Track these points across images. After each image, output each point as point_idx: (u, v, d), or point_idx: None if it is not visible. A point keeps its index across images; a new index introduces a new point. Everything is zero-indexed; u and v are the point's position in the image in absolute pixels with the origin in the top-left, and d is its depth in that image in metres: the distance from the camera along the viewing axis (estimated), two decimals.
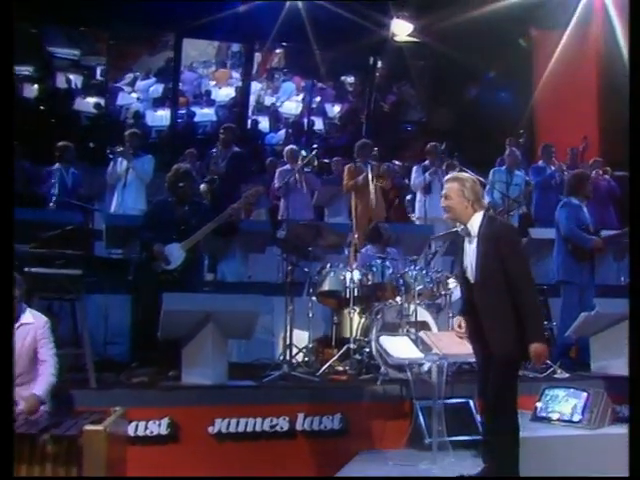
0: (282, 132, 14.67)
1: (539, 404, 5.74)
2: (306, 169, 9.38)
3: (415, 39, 12.61)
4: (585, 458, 5.27)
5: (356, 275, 6.45)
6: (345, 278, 6.48)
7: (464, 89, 14.16)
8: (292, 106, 14.88)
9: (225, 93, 14.66)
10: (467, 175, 4.97)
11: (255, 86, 14.74)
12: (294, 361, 6.51)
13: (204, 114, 14.25)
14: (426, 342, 5.40)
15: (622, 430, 5.47)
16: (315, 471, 5.51)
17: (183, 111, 14.21)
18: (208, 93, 14.62)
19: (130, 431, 5.32)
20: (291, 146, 9.73)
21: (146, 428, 5.45)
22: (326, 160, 10.93)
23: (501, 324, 4.59)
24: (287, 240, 6.73)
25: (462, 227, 4.73)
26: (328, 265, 6.66)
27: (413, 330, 5.91)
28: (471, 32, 11.80)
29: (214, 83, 14.78)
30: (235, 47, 14.74)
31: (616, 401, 6.18)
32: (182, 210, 6.41)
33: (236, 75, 14.73)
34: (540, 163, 10.07)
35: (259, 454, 5.59)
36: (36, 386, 4.79)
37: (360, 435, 5.74)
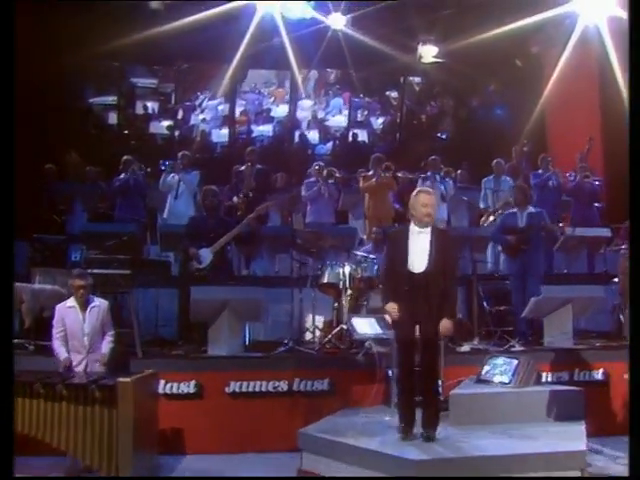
0: (330, 144, 16.36)
1: (483, 370, 7.18)
2: (329, 181, 10.99)
3: (439, 60, 14.02)
4: (509, 409, 6.66)
5: (347, 270, 8.05)
6: (340, 272, 8.10)
7: (478, 105, 15.56)
8: (340, 120, 16.55)
9: (282, 110, 16.47)
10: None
11: (307, 103, 16.45)
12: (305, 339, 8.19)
13: (262, 130, 16.10)
14: (388, 322, 6.96)
15: (541, 389, 6.94)
16: (307, 421, 6.94)
17: (245, 128, 16.08)
18: (268, 111, 16.44)
19: (167, 390, 7.21)
20: (317, 162, 11.33)
21: (178, 388, 7.26)
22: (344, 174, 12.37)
23: (440, 305, 5.93)
24: (296, 243, 8.42)
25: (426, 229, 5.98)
26: (327, 262, 8.29)
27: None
28: (485, 52, 13.19)
29: (272, 100, 16.56)
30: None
31: (553, 369, 7.66)
32: (211, 222, 8.22)
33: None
34: (540, 171, 11.31)
35: (264, 409, 7.27)
36: (103, 347, 6.68)
37: (344, 395, 7.31)
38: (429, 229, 5.98)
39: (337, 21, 13.77)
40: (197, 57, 14.51)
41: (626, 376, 6.91)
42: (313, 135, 16.41)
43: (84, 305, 6.65)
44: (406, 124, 16.28)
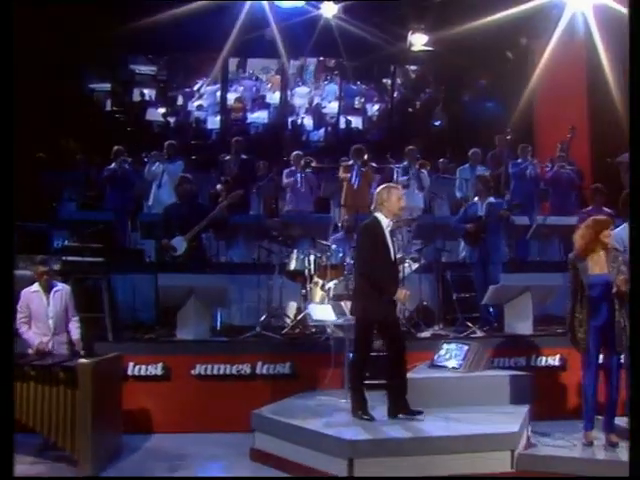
0: (322, 130, 16.61)
1: (436, 355, 7.46)
2: (307, 170, 11.26)
3: (429, 48, 14.19)
4: (458, 393, 6.93)
5: (312, 257, 8.35)
6: (306, 260, 8.40)
7: (469, 95, 15.72)
8: (335, 106, 16.79)
9: (277, 96, 16.74)
10: None
11: (304, 90, 16.70)
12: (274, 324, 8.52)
13: (257, 117, 16.38)
14: (343, 308, 7.27)
15: (490, 373, 7.21)
16: (269, 404, 7.17)
17: (240, 114, 16.38)
18: (263, 97, 16.72)
19: (136, 372, 7.59)
20: (296, 152, 11.61)
21: (147, 370, 7.63)
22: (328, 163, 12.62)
23: None
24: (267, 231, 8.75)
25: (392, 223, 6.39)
26: (295, 249, 8.60)
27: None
28: (473, 42, 13.34)
29: (269, 87, 16.84)
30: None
31: (511, 355, 7.92)
32: (185, 210, 8.54)
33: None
34: (519, 160, 11.50)
35: (228, 391, 7.60)
36: (73, 334, 7.03)
37: (306, 378, 7.63)
38: (392, 222, 6.40)
39: (329, 9, 13.97)
40: (193, 45, 14.71)
41: None
42: (308, 122, 16.64)
43: (47, 289, 7.00)
44: (401, 111, 16.46)
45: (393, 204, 6.34)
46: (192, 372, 7.66)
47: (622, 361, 6.33)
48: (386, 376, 6.51)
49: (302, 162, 11.06)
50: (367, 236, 6.40)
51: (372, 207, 6.59)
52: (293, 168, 11.22)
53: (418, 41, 14.03)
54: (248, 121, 16.45)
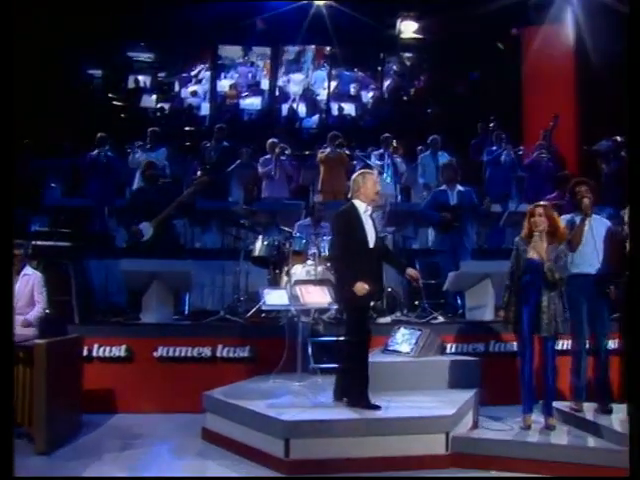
0: (316, 117, 16.73)
1: (389, 340, 7.63)
2: (282, 157, 11.40)
3: (418, 36, 14.26)
4: (408, 377, 7.11)
5: (276, 244, 8.53)
6: (269, 246, 8.58)
7: (453, 81, 15.80)
8: (326, 93, 16.91)
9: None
10: None
11: (299, 76, 16.83)
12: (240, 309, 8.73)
13: (251, 103, 16.54)
14: (297, 294, 7.45)
15: (440, 358, 7.37)
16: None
17: (234, 101, 16.55)
18: (258, 84, 16.87)
19: (100, 353, 7.85)
20: (272, 139, 11.69)
21: (111, 351, 7.89)
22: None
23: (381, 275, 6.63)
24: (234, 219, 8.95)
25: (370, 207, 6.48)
26: (259, 236, 8.78)
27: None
28: (463, 30, 13.40)
29: (265, 73, 16.98)
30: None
31: (470, 341, 8.07)
32: (151, 195, 8.75)
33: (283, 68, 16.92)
34: (494, 147, 11.58)
35: (189, 373, 7.85)
36: (29, 314, 7.30)
37: (265, 362, 7.78)
38: (370, 207, 6.49)
39: None
40: (186, 32, 14.84)
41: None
42: (301, 109, 16.77)
43: (17, 272, 7.26)
44: (395, 99, 16.54)
45: (369, 189, 6.43)
46: (154, 354, 7.91)
47: (560, 347, 6.52)
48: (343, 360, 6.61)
49: (277, 150, 11.19)
50: (341, 222, 6.48)
51: (349, 195, 6.72)
52: (268, 156, 11.36)
53: (407, 28, 14.09)
54: (241, 107, 16.59)
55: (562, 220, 6.80)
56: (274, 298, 7.47)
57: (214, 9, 13.70)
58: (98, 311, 8.77)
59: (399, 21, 13.95)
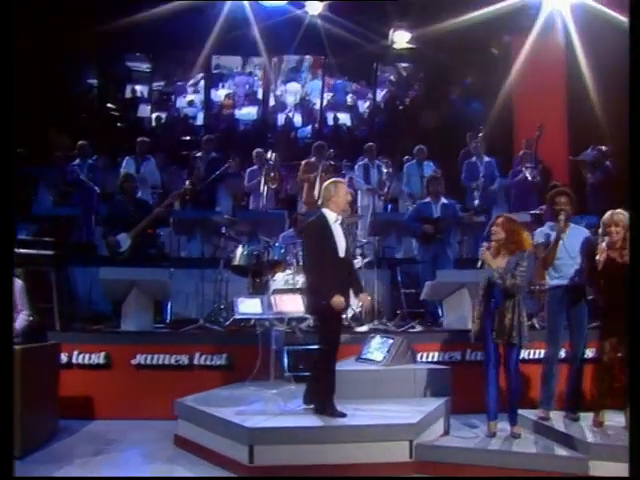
0: (310, 127, 16.85)
1: (363, 348, 7.71)
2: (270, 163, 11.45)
3: (412, 46, 14.34)
4: (380, 385, 7.18)
5: (255, 253, 8.64)
6: (249, 255, 8.69)
7: (446, 91, 15.88)
8: (323, 103, 17.01)
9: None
10: None
11: (295, 86, 16.96)
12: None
13: (247, 113, 16.68)
14: (271, 303, 7.56)
15: (410, 367, 7.44)
16: None
17: (230, 111, 16.70)
18: (255, 93, 17.01)
19: (80, 360, 7.99)
20: (257, 149, 11.80)
21: (90, 358, 8.01)
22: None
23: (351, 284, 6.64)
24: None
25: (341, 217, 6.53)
26: (239, 245, 8.89)
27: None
28: (457, 39, 13.49)
29: (262, 83, 17.11)
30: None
31: (447, 349, 8.15)
32: (129, 207, 8.90)
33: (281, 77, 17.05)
34: (473, 159, 11.63)
35: (166, 380, 7.95)
36: (16, 323, 7.43)
37: (241, 370, 7.88)
38: (341, 216, 6.55)
39: (314, 7, 14.16)
40: (181, 42, 14.93)
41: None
42: (297, 118, 16.89)
43: None
44: (390, 108, 16.65)
45: (341, 198, 6.49)
46: (132, 361, 8.04)
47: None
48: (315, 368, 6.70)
49: (263, 159, 11.29)
50: (312, 232, 6.55)
51: (320, 202, 6.78)
52: (255, 167, 11.46)
53: (400, 39, 14.16)
54: (237, 117, 16.73)
55: (539, 233, 6.90)
56: (247, 307, 7.60)
57: (209, 19, 13.82)
58: (80, 318, 8.90)
59: (392, 31, 13.98)
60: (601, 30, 12.39)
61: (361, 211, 11.15)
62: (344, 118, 16.90)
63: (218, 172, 10.34)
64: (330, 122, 16.83)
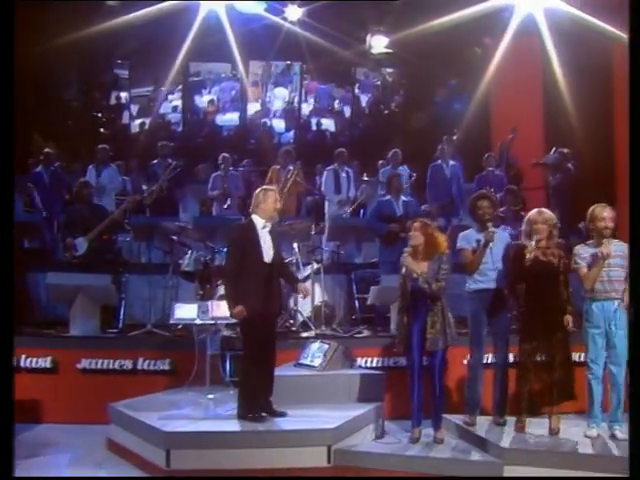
0: (292, 132, 16.93)
1: (301, 354, 7.74)
2: (233, 172, 11.54)
3: (389, 51, 14.35)
4: (313, 390, 7.19)
5: (203, 259, 8.71)
6: (197, 261, 8.76)
7: (429, 94, 15.88)
8: (307, 108, 17.10)
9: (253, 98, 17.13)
10: None
11: (282, 91, 17.04)
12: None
13: (230, 119, 16.79)
14: (208, 308, 7.62)
15: (345, 372, 7.45)
16: None
17: (212, 117, 16.82)
18: (239, 99, 17.10)
19: (27, 364, 8.11)
20: (224, 154, 11.83)
21: (37, 362, 8.13)
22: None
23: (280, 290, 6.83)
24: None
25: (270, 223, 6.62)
26: (189, 250, 8.96)
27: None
28: (437, 43, 13.51)
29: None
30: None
31: (392, 353, 8.07)
32: (85, 212, 9.03)
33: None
34: (439, 161, 11.59)
35: (110, 385, 8.01)
36: None
37: (184, 374, 7.92)
38: (269, 223, 6.63)
39: (293, 13, 14.23)
40: (158, 48, 15.02)
41: (465, 361, 7.45)
42: (280, 124, 16.96)
43: None
44: (376, 113, 16.68)
45: (269, 205, 6.60)
46: (78, 366, 8.14)
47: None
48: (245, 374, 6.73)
49: (229, 164, 11.36)
50: (235, 237, 6.68)
51: (250, 209, 6.86)
52: (219, 172, 11.51)
53: (378, 43, 14.21)
54: (219, 123, 16.83)
55: (462, 237, 6.90)
56: (183, 312, 7.68)
57: (189, 27, 13.91)
58: (36, 323, 9.02)
59: (369, 36, 14.03)
60: (575, 32, 12.37)
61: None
62: (328, 124, 16.93)
63: (162, 179, 10.37)
64: (313, 127, 16.85)
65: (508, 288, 6.74)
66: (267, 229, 6.62)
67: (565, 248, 6.46)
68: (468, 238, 6.90)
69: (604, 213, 6.26)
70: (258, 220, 6.60)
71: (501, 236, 6.85)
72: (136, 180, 11.88)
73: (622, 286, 6.22)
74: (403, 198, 9.45)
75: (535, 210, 6.56)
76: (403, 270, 6.51)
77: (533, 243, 6.33)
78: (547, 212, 6.51)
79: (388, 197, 9.52)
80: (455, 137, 12.47)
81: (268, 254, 6.56)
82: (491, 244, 6.72)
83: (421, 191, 12.01)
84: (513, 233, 7.16)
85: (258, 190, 6.80)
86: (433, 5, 13.38)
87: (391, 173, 10.47)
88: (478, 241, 6.82)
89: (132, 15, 13.32)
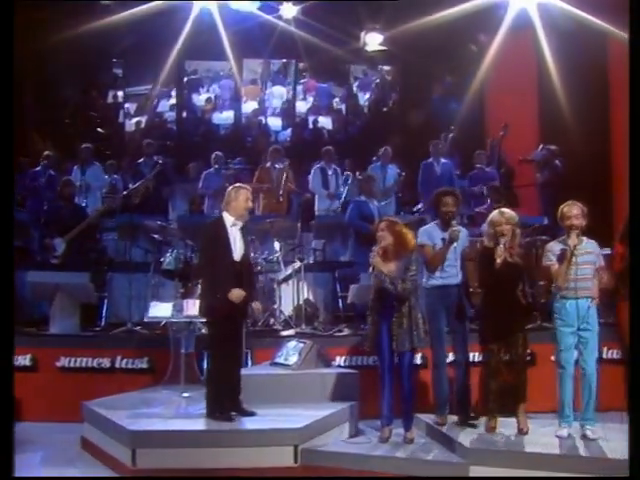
0: (289, 130, 16.88)
1: (277, 353, 7.71)
2: (224, 171, 11.54)
3: (383, 48, 14.27)
4: (287, 389, 7.18)
5: (183, 257, 8.70)
6: (177, 259, 8.74)
7: (425, 92, 15.81)
8: (305, 106, 17.08)
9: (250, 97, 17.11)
10: None
11: (280, 90, 17.02)
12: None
13: (226, 117, 16.76)
14: (183, 307, 7.62)
15: (318, 371, 7.42)
16: None
17: (209, 115, 16.81)
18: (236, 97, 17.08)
19: None
20: (217, 152, 11.80)
21: (17, 360, 8.12)
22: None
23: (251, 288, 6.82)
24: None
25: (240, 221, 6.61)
26: (169, 249, 8.96)
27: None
28: (428, 40, 13.44)
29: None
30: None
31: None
32: (65, 211, 9.06)
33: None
34: (430, 159, 11.53)
35: (89, 383, 8.06)
36: None
37: (162, 372, 7.96)
38: (240, 221, 6.62)
39: (288, 11, 14.18)
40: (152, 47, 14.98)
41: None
42: (277, 122, 16.92)
43: None
44: (375, 112, 16.60)
45: (240, 204, 6.61)
46: (57, 364, 8.18)
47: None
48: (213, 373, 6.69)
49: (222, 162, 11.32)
50: (205, 235, 6.73)
51: (221, 206, 6.89)
52: (212, 170, 11.49)
53: (372, 41, 14.13)
54: (216, 122, 16.81)
55: (424, 232, 6.84)
56: (158, 310, 7.68)
57: (183, 25, 13.91)
58: (18, 322, 9.01)
59: (363, 34, 13.96)
60: (569, 28, 12.27)
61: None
62: (325, 122, 16.87)
63: (146, 177, 10.37)
64: (310, 126, 16.80)
65: (472, 288, 6.70)
66: (237, 227, 6.62)
67: (526, 246, 6.41)
68: (430, 234, 6.82)
69: (573, 211, 6.20)
70: (228, 218, 6.61)
71: (462, 234, 6.80)
72: (125, 179, 11.86)
73: (592, 283, 6.16)
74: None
75: (496, 211, 6.48)
76: (370, 270, 6.47)
77: (502, 246, 6.25)
78: (508, 212, 6.43)
79: (363, 198, 9.49)
80: (451, 134, 12.34)
81: (237, 252, 6.58)
82: (455, 243, 6.68)
83: (412, 189, 11.96)
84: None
85: (230, 188, 6.82)
86: (427, 2, 13.29)
87: (364, 175, 10.42)
88: (443, 239, 6.75)
89: (127, 13, 13.31)
